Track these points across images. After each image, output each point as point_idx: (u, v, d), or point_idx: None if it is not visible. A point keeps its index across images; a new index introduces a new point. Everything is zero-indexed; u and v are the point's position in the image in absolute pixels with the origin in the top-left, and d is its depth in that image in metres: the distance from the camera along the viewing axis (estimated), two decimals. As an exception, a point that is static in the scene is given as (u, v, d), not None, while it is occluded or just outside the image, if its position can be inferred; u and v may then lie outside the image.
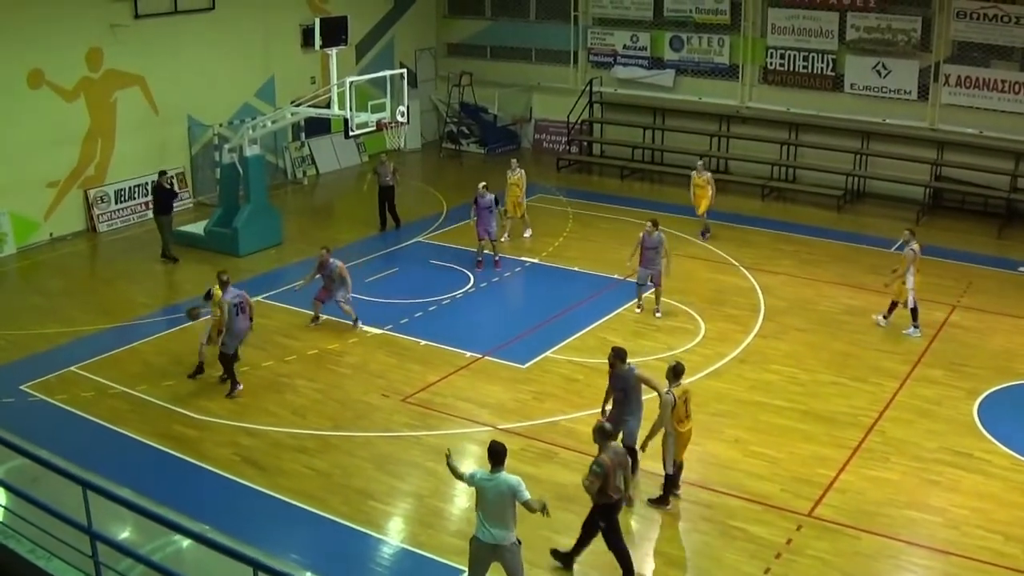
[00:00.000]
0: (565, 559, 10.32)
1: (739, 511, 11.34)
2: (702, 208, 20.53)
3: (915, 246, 15.89)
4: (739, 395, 14.14)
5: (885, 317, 16.36)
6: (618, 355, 11.53)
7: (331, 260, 16.27)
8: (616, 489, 9.78)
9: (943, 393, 14.16)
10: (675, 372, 11.08)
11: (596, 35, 27.69)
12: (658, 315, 16.72)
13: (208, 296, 14.64)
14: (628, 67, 27.21)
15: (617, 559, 10.06)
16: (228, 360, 14.25)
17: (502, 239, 20.03)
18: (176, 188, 21.78)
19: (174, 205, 20.56)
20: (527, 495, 8.93)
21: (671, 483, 11.45)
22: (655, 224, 16.57)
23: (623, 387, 11.46)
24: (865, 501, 11.53)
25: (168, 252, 19.92)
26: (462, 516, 11.25)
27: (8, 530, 7.36)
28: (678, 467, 11.41)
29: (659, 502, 11.46)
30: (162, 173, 20.34)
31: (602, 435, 9.80)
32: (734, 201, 23.74)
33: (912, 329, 16.03)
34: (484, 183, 19.36)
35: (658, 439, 11.20)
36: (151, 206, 20.78)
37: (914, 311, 15.95)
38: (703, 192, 20.51)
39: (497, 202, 19.18)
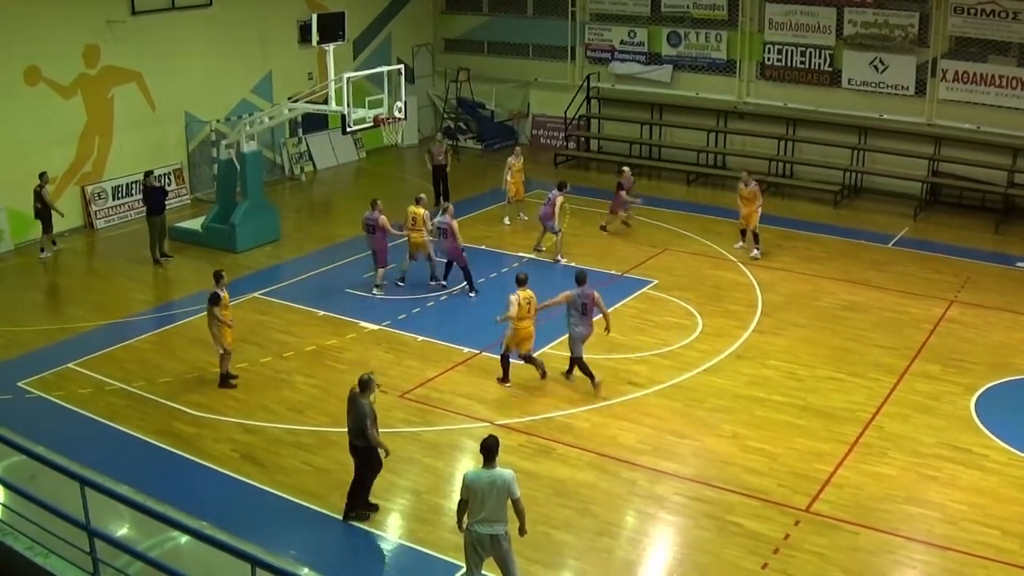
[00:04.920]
0: (367, 506, 11.19)
1: (737, 506, 11.35)
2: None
3: (754, 186, 19.51)
4: (737, 391, 14.15)
5: (755, 248, 19.45)
6: (576, 277, 14.33)
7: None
8: (373, 439, 10.78)
9: (941, 388, 14.17)
10: (518, 280, 14.33)
11: (593, 31, 27.67)
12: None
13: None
14: (626, 63, 27.20)
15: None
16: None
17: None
18: (166, 186, 21.66)
19: (165, 203, 20.16)
20: (519, 492, 9.07)
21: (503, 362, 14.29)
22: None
23: (583, 302, 14.08)
24: (863, 496, 11.54)
25: (163, 251, 19.76)
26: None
27: (6, 527, 7.35)
28: (504, 356, 14.18)
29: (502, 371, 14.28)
30: (148, 173, 20.12)
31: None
32: (732, 197, 23.67)
33: (754, 250, 19.56)
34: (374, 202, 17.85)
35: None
36: (146, 208, 20.05)
37: (756, 235, 19.55)
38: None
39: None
